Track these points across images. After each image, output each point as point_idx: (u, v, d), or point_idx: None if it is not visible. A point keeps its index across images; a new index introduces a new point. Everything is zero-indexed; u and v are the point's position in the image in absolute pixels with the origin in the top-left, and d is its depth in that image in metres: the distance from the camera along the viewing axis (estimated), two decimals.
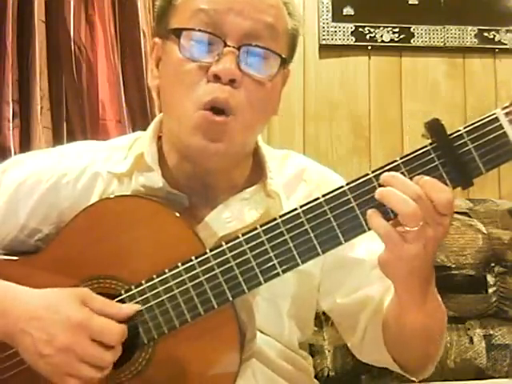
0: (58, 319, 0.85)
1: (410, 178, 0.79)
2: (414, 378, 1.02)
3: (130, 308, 0.89)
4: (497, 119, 0.78)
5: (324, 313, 1.52)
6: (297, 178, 1.07)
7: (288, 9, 0.97)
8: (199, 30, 0.91)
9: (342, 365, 1.80)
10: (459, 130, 0.79)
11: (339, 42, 2.25)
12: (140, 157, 1.01)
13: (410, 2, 2.26)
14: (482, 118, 0.79)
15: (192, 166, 0.97)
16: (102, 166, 1.03)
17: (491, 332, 1.86)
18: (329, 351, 1.80)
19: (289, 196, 1.03)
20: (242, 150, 0.99)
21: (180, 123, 0.94)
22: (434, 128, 0.79)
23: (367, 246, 0.99)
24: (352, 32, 2.24)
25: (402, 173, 0.79)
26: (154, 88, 1.01)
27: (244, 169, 1.03)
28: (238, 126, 0.92)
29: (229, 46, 0.90)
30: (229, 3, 0.91)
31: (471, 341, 1.85)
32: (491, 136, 0.78)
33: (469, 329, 1.87)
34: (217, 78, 0.90)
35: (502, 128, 0.78)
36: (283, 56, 0.95)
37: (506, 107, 0.78)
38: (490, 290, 1.88)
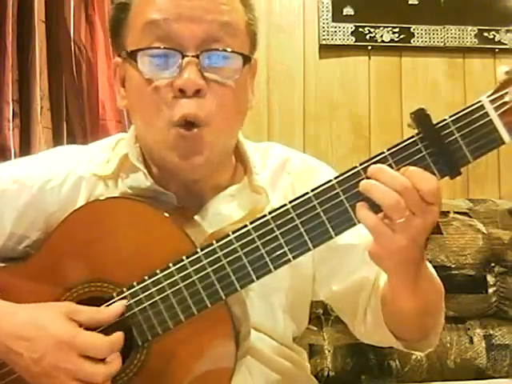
0: (45, 337, 0.84)
1: (398, 169, 0.78)
2: (418, 353, 1.02)
3: (118, 306, 0.88)
4: (482, 107, 0.78)
5: (324, 313, 1.52)
6: (280, 170, 1.06)
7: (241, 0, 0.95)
8: (154, 48, 0.89)
9: (342, 365, 1.80)
10: (445, 120, 0.79)
11: (339, 42, 2.25)
12: (124, 158, 1.00)
13: (409, 2, 2.26)
14: (467, 106, 0.79)
15: (175, 176, 0.97)
16: (86, 168, 1.02)
17: (491, 332, 1.86)
18: (329, 351, 1.80)
19: (274, 189, 1.03)
20: (224, 153, 0.99)
21: (155, 143, 0.93)
22: (420, 118, 0.79)
23: (355, 232, 0.99)
24: (352, 32, 2.24)
25: (390, 164, 0.79)
26: (123, 108, 1.00)
27: (227, 167, 1.03)
28: (213, 135, 0.91)
29: (187, 56, 0.88)
30: (178, 10, 0.88)
31: (471, 341, 1.85)
32: (477, 124, 0.78)
33: (469, 329, 1.87)
34: (182, 92, 0.88)
35: (488, 116, 0.77)
36: (245, 53, 0.93)
37: (491, 94, 0.78)
38: (490, 290, 1.88)
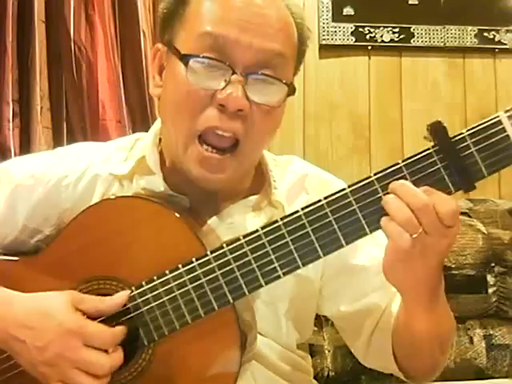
0: (51, 326, 0.85)
1: (413, 181, 0.78)
2: None
3: (122, 296, 0.88)
4: (499, 122, 0.78)
5: None
6: (298, 186, 1.06)
7: (296, 20, 0.95)
8: (208, 58, 0.88)
9: (342, 365, 1.80)
10: (462, 133, 0.78)
11: (339, 42, 2.25)
12: (142, 160, 1.00)
13: (410, 2, 2.26)
14: (484, 120, 0.78)
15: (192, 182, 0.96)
16: (102, 167, 1.02)
17: (491, 332, 1.86)
18: (329, 351, 1.80)
19: (290, 203, 1.03)
20: (248, 170, 1.00)
21: (177, 149, 0.93)
22: (437, 131, 0.79)
23: (369, 253, 0.99)
24: (352, 32, 2.24)
25: (404, 175, 0.79)
26: (155, 96, 0.99)
27: (247, 177, 1.03)
28: (241, 158, 0.91)
29: (236, 74, 0.88)
30: (237, 33, 0.88)
31: (471, 341, 1.85)
32: (494, 139, 0.77)
33: (469, 329, 1.87)
34: (223, 106, 0.88)
35: (505, 131, 0.77)
36: (291, 85, 0.93)
37: (509, 110, 0.78)
38: (490, 290, 1.88)
